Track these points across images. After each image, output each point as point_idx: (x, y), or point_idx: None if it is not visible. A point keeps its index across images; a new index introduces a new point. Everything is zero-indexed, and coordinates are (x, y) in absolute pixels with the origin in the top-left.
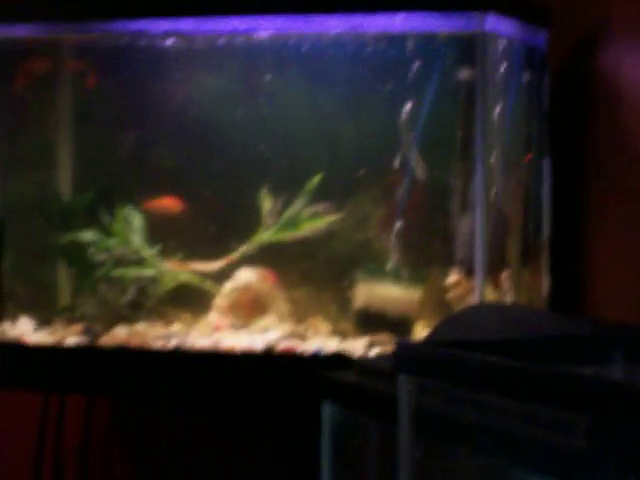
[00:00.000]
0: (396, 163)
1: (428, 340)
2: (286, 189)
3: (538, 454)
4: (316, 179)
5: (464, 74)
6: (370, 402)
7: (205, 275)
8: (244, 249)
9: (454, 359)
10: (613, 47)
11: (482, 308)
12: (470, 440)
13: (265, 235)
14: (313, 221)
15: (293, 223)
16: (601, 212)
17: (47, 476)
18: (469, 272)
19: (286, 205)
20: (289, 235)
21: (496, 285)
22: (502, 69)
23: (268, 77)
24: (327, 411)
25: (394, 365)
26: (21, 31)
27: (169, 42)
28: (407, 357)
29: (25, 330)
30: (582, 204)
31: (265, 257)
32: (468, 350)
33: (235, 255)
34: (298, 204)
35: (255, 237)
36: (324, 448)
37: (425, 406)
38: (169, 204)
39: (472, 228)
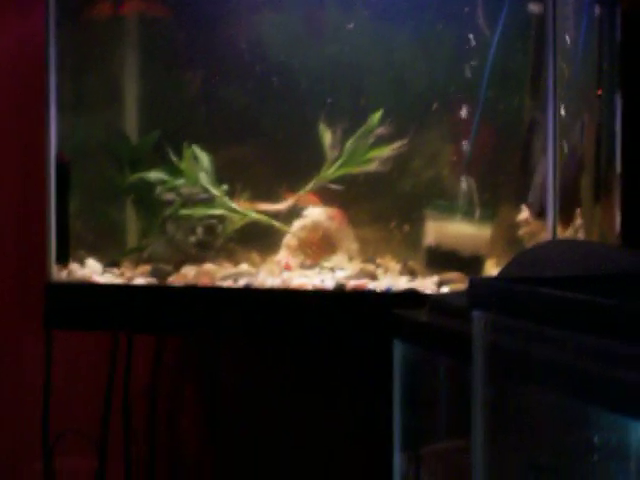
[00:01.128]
0: (465, 99)
1: (501, 277)
2: (348, 123)
3: (613, 392)
4: (377, 114)
5: (533, 7)
6: (442, 340)
7: (273, 214)
8: (310, 186)
9: (529, 295)
10: None
11: (554, 244)
12: (544, 378)
13: (330, 170)
14: (377, 150)
15: (356, 154)
16: None
17: (116, 417)
18: (540, 212)
19: (347, 138)
20: (355, 169)
21: (568, 223)
22: (572, 2)
23: (335, 14)
24: (398, 349)
25: (468, 302)
26: None
27: None
28: (481, 293)
29: (93, 271)
30: None
31: (333, 195)
32: (541, 286)
33: (302, 193)
34: (360, 135)
35: (320, 173)
36: (395, 386)
37: (499, 343)
38: (310, 200)
39: (544, 166)
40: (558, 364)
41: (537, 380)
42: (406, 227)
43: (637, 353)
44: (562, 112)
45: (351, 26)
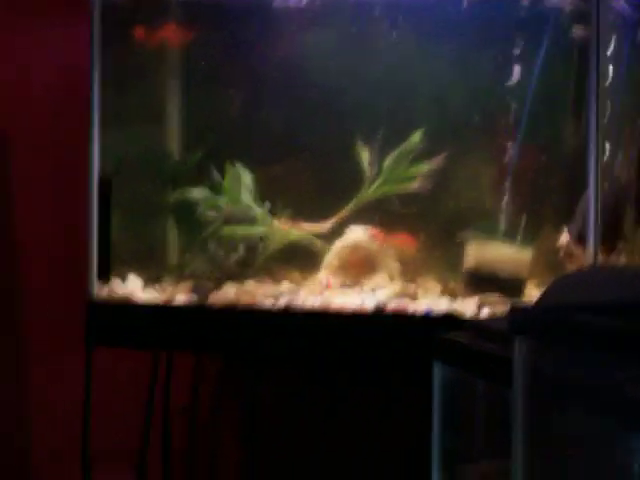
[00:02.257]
0: (508, 123)
1: (542, 302)
2: (387, 142)
3: None
4: (418, 133)
5: (577, 35)
6: (481, 363)
7: (315, 234)
8: (351, 206)
9: (569, 322)
10: None
11: (594, 270)
12: (584, 403)
13: (370, 190)
14: (416, 167)
15: (396, 172)
16: None
17: (156, 435)
18: (581, 238)
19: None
20: (395, 188)
21: (609, 249)
22: (615, 30)
23: (379, 34)
24: (438, 371)
25: (508, 327)
26: None
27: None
28: (522, 320)
29: (134, 288)
30: None
31: (374, 215)
32: (582, 313)
33: (343, 213)
34: (399, 154)
35: (361, 193)
36: (435, 407)
37: (539, 368)
38: (405, 241)
39: (586, 192)
40: (595, 389)
41: (575, 404)
42: (447, 247)
43: None
44: (604, 139)
45: (393, 45)
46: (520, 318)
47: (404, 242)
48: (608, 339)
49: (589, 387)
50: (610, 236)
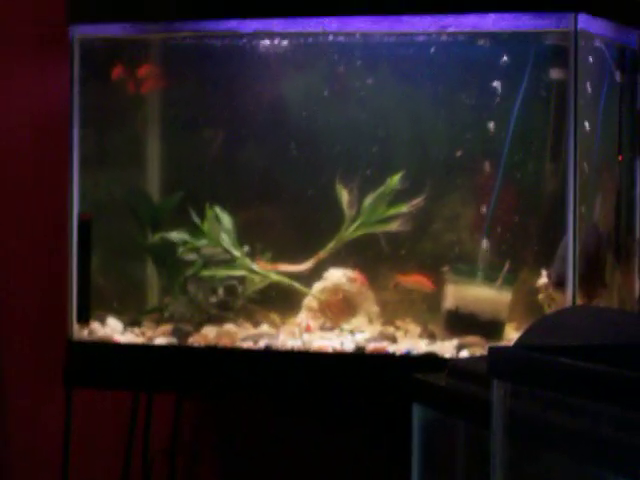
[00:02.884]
0: (486, 163)
1: (521, 343)
2: (367, 182)
3: (632, 461)
4: (396, 176)
5: (555, 73)
6: (461, 405)
7: (294, 276)
8: (331, 246)
9: (548, 365)
10: None
11: (574, 311)
12: (563, 445)
13: (350, 229)
14: (395, 207)
15: (375, 213)
16: None
17: (136, 476)
18: (560, 281)
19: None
20: (374, 228)
21: (588, 290)
22: (593, 69)
23: (357, 77)
24: (417, 412)
25: (488, 370)
26: (109, 30)
27: (257, 42)
28: (501, 362)
29: (114, 330)
30: None
31: (353, 258)
32: (562, 355)
33: (323, 254)
34: (378, 195)
35: (340, 233)
36: (414, 449)
37: (518, 410)
38: (421, 281)
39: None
40: (574, 431)
41: (554, 447)
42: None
43: None
44: (583, 177)
45: (372, 87)
46: (498, 360)
47: (420, 281)
48: (582, 381)
49: (566, 430)
50: (590, 282)
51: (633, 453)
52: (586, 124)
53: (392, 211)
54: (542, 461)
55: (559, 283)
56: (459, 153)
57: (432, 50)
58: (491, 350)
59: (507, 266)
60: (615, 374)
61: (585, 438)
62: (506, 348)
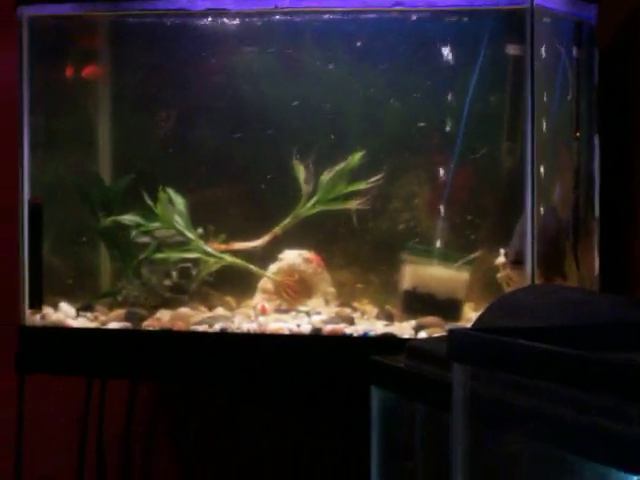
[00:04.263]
0: (443, 142)
1: (480, 324)
2: (323, 159)
3: (591, 441)
4: (358, 154)
5: (512, 50)
6: (419, 387)
7: (250, 257)
8: (286, 222)
9: (508, 347)
10: None
11: (532, 290)
12: (523, 427)
13: (307, 206)
14: (353, 185)
15: (332, 190)
16: None
17: (90, 461)
18: (517, 260)
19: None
20: (331, 206)
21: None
22: (551, 44)
23: (309, 54)
24: (376, 394)
25: (448, 353)
26: (59, 10)
27: (208, 20)
28: (461, 345)
29: (67, 315)
30: (631, 181)
31: (310, 238)
32: (521, 337)
33: (278, 229)
34: (337, 173)
35: (297, 209)
36: (373, 431)
37: (479, 393)
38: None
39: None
40: (534, 413)
41: (514, 428)
42: (383, 270)
43: (611, 403)
44: (541, 154)
45: (325, 64)
46: (458, 343)
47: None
48: (542, 363)
49: (525, 411)
50: (548, 266)
51: (592, 433)
52: (544, 100)
53: (350, 188)
54: (502, 442)
55: (517, 262)
56: (415, 131)
57: (387, 27)
58: (451, 333)
59: (476, 253)
60: (573, 355)
61: (545, 419)
62: (466, 331)
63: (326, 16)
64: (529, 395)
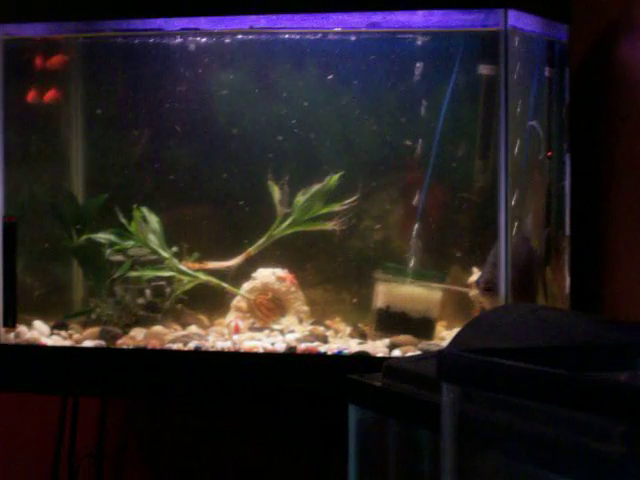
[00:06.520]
0: (416, 160)
1: (457, 343)
2: (298, 180)
3: (575, 460)
4: (336, 176)
5: (486, 70)
6: (397, 406)
7: (223, 276)
8: (261, 243)
9: (499, 368)
10: (634, 41)
11: (508, 309)
12: (507, 446)
13: (281, 227)
14: (327, 206)
15: (308, 209)
16: (621, 208)
17: (62, 478)
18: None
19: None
20: (307, 227)
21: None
22: (523, 64)
23: (286, 74)
24: (353, 413)
25: (437, 373)
26: (35, 30)
27: (184, 40)
28: (450, 366)
29: (41, 333)
30: (602, 200)
31: (283, 257)
32: (506, 358)
33: (252, 250)
34: (313, 194)
35: (271, 230)
36: (350, 450)
37: (467, 413)
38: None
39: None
40: (518, 432)
41: (499, 447)
42: (356, 289)
43: (595, 422)
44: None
45: (300, 85)
46: (447, 364)
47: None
48: (528, 383)
49: (512, 430)
50: (516, 293)
51: (575, 452)
52: (516, 119)
53: (326, 210)
54: (487, 462)
55: (488, 289)
56: (388, 152)
57: (363, 48)
58: (440, 354)
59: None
60: (565, 376)
61: (527, 438)
62: (455, 352)
63: (301, 37)
64: (517, 415)
